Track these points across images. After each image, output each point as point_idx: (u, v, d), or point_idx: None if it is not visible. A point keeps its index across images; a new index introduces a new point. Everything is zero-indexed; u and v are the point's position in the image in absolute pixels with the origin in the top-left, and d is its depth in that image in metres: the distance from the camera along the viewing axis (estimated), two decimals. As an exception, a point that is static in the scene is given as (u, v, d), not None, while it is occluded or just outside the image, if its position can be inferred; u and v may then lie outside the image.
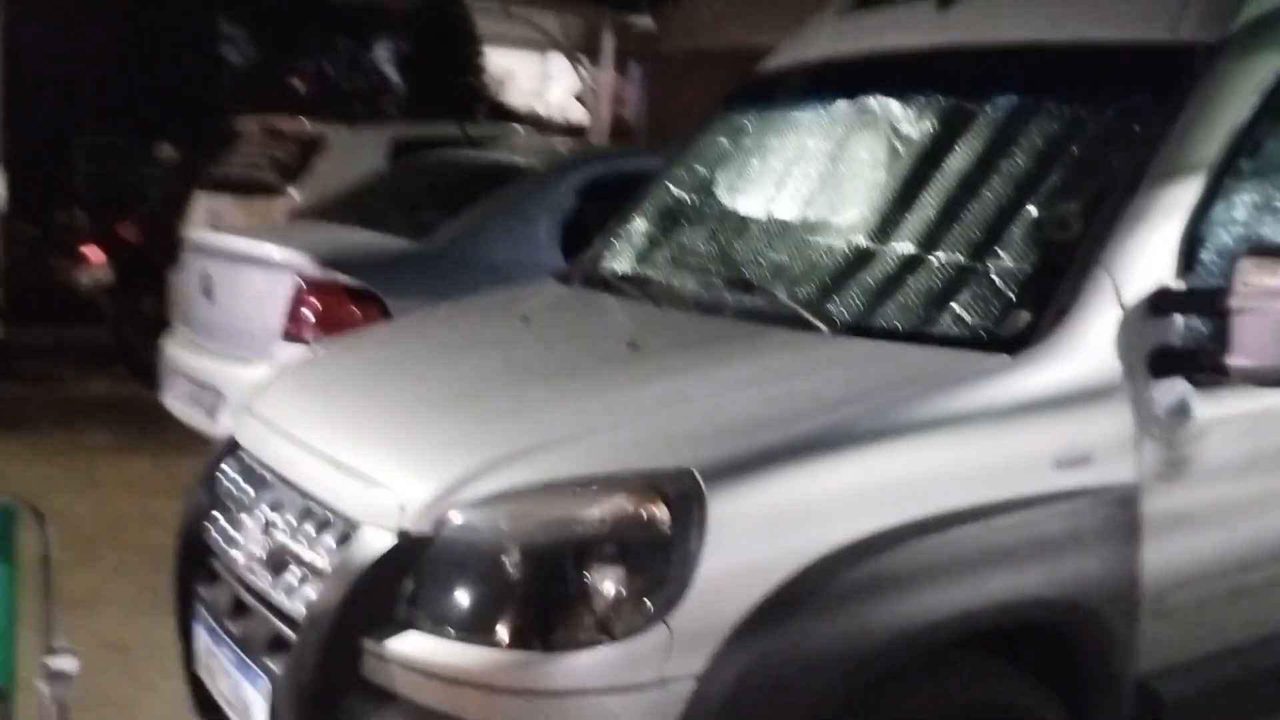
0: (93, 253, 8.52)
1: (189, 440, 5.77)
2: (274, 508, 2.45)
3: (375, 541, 2.12)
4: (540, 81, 14.70)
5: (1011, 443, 2.27)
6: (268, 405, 2.77)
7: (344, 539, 2.21)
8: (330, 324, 4.57)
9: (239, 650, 2.41)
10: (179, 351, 5.40)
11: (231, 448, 2.78)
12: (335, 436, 2.44)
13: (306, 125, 7.64)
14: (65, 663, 2.45)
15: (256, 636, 2.37)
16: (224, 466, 2.76)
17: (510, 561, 2.01)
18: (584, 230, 4.91)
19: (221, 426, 4.97)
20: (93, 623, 4.01)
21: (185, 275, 5.60)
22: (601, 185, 5.12)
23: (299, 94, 10.86)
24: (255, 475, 2.59)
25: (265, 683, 2.28)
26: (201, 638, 2.65)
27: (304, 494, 2.37)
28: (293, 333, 4.67)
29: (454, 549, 2.07)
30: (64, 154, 10.10)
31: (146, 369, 7.65)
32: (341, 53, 12.72)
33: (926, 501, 2.13)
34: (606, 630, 1.95)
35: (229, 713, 2.53)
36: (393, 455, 2.30)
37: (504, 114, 12.60)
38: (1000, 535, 2.20)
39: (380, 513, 2.15)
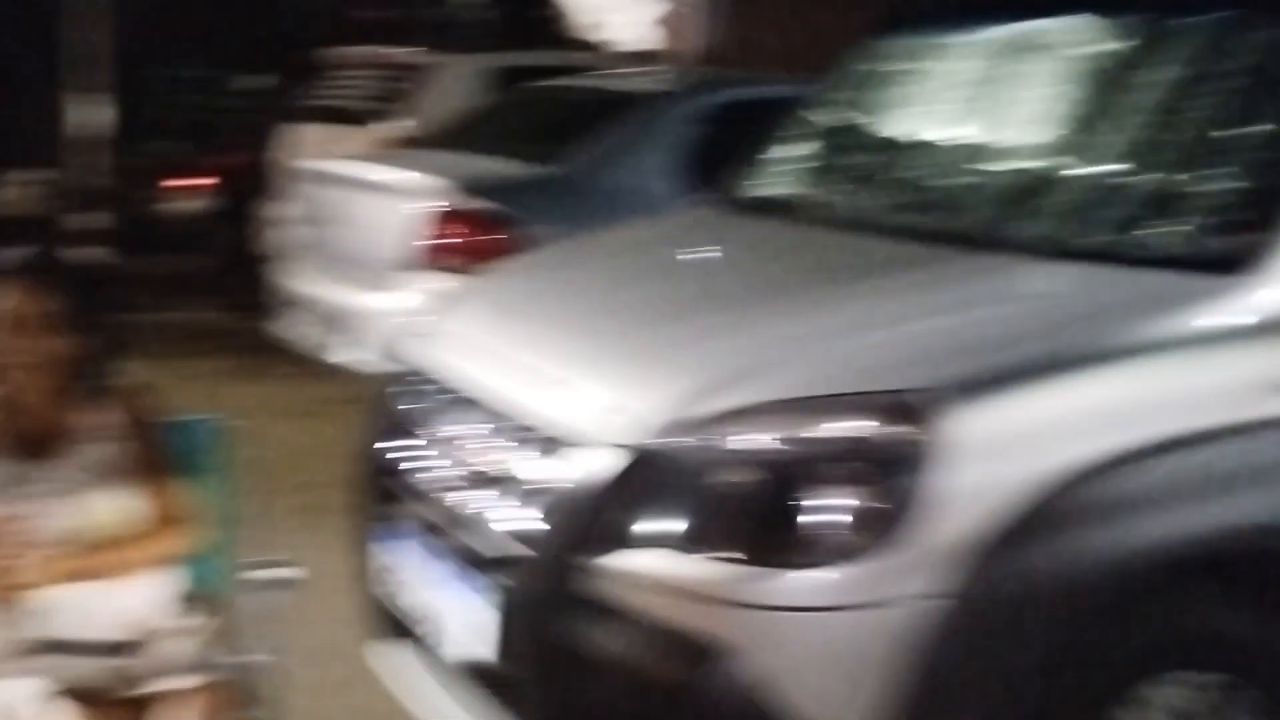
0: (192, 184, 8.60)
1: (302, 366, 5.84)
2: (473, 428, 2.46)
3: (600, 458, 2.12)
4: (604, 12, 14.47)
5: (1232, 366, 2.22)
6: (453, 329, 2.77)
7: (560, 456, 2.22)
8: (461, 250, 4.56)
9: (445, 571, 2.43)
10: (298, 280, 5.43)
11: (410, 371, 2.80)
12: (542, 357, 2.44)
13: (405, 55, 7.60)
14: (281, 572, 2.47)
15: (464, 556, 2.39)
16: (404, 390, 2.77)
17: (746, 478, 2.01)
18: (709, 156, 4.87)
19: (344, 354, 5.04)
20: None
21: (301, 204, 5.62)
22: (729, 111, 5.06)
23: (385, 25, 10.82)
24: (447, 397, 2.60)
25: (477, 600, 2.30)
26: (384, 557, 2.68)
27: (508, 414, 2.37)
28: (422, 259, 4.67)
29: (686, 465, 2.06)
30: (165, 88, 10.15)
31: (247, 298, 7.75)
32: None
33: (1152, 425, 2.10)
34: (844, 548, 1.94)
35: (415, 628, 2.57)
36: (610, 373, 2.30)
37: (573, 44, 12.47)
38: (1223, 461, 2.16)
39: (604, 430, 2.15)
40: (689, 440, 2.07)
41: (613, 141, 5.05)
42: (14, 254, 2.35)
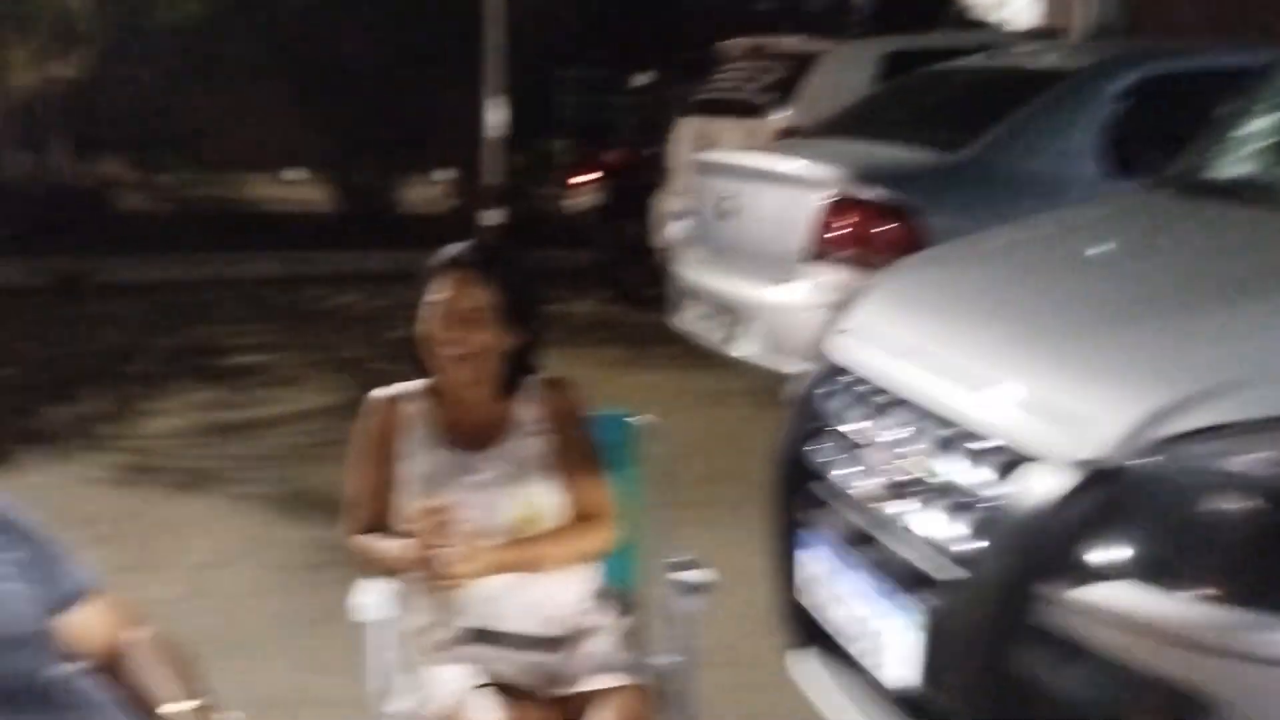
0: (580, 181, 8.92)
1: (688, 358, 5.88)
2: (906, 433, 2.28)
3: (1054, 473, 1.89)
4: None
5: None
6: (876, 325, 2.61)
7: (1006, 468, 2.00)
8: (860, 241, 4.39)
9: (867, 582, 2.28)
10: (694, 272, 5.45)
11: (833, 369, 2.65)
12: (981, 358, 2.23)
13: (794, 44, 7.52)
14: (697, 575, 2.41)
15: (888, 569, 2.23)
16: (827, 388, 2.63)
17: (1240, 506, 1.72)
18: (1134, 138, 4.44)
19: (743, 348, 5.00)
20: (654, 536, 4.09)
21: (697, 197, 5.63)
22: (1154, 87, 4.59)
23: (776, 16, 10.83)
24: (876, 398, 2.43)
25: (907, 618, 2.13)
26: (810, 564, 2.56)
27: (945, 418, 2.18)
28: (820, 250, 4.54)
29: (1163, 487, 1.79)
30: (551, 87, 10.65)
31: (638, 291, 7.94)
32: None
33: None
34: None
35: (843, 642, 2.42)
36: (1064, 379, 2.06)
37: (969, 23, 11.97)
38: None
39: (1059, 442, 1.92)
40: (1166, 459, 1.80)
41: (1025, 124, 4.69)
42: (454, 248, 2.40)
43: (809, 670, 2.58)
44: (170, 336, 7.60)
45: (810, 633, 2.59)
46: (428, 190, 11.52)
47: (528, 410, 2.42)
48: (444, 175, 11.12)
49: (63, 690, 1.72)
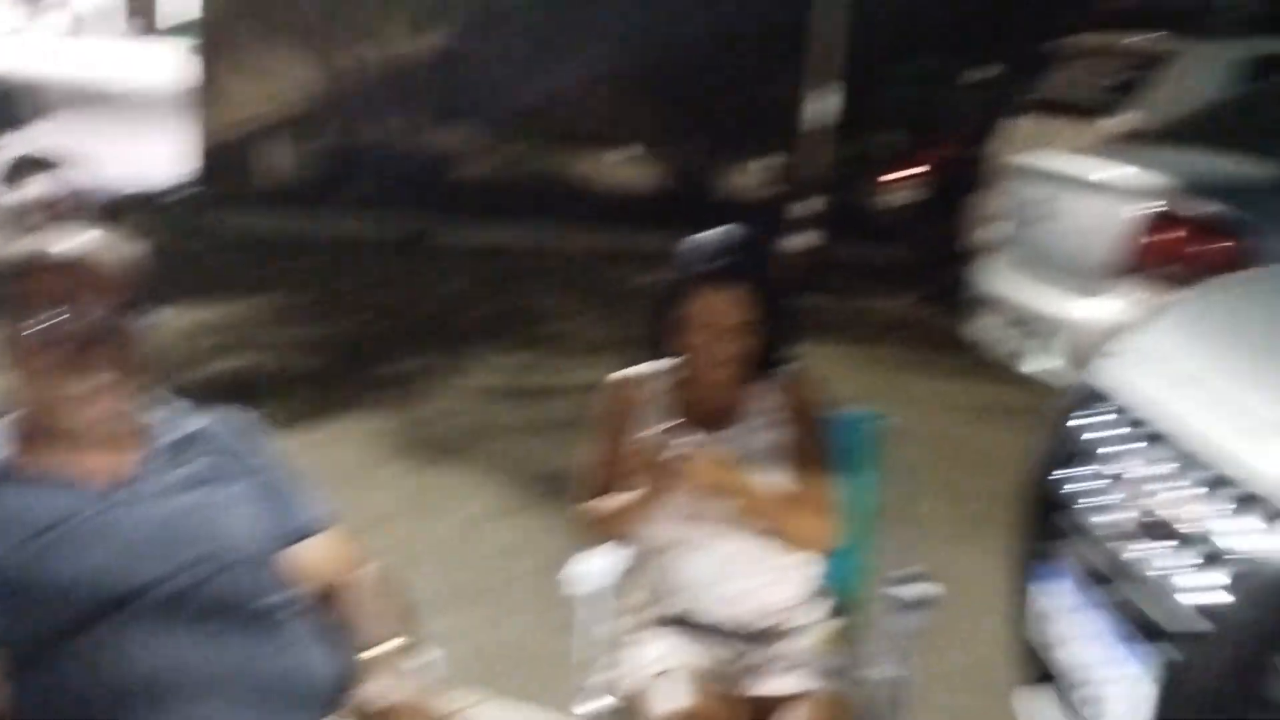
0: (901, 176, 8.70)
1: (981, 368, 5.62)
2: (1163, 470, 2.08)
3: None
4: None
5: None
6: (1154, 350, 2.39)
7: (1269, 523, 1.78)
8: (1181, 259, 4.04)
9: (1102, 626, 2.10)
10: (994, 279, 5.20)
11: (1095, 393, 2.46)
12: (1263, 397, 2.00)
13: (1142, 42, 6.99)
14: (922, 589, 2.30)
15: (1126, 615, 2.04)
16: (1085, 412, 2.44)
17: None
18: None
19: (1038, 363, 4.73)
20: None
21: (1009, 200, 5.36)
22: None
23: (1120, 10, 10.11)
24: (1137, 429, 2.23)
25: (1137, 670, 1.95)
26: (1045, 599, 2.39)
27: (1205, 457, 1.97)
28: (1135, 266, 4.21)
29: None
30: (886, 78, 10.42)
31: (940, 294, 7.67)
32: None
33: None
34: None
35: (1066, 686, 2.25)
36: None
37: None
38: None
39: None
40: None
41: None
42: (709, 247, 2.37)
43: (1034, 710, 2.42)
44: (491, 301, 8.03)
45: (1042, 670, 2.42)
46: (750, 176, 11.58)
47: (767, 400, 2.39)
48: (764, 163, 11.13)
49: (276, 616, 1.85)
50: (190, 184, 10.76)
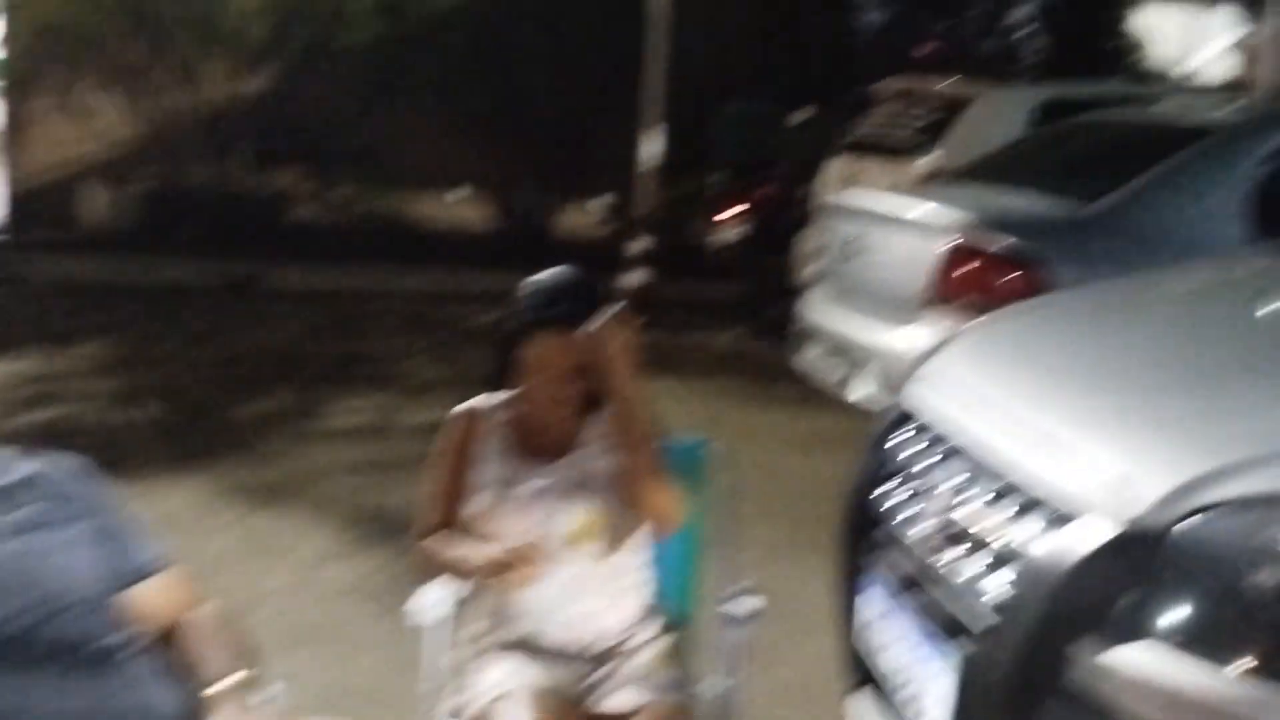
0: (728, 215, 8.99)
1: (810, 398, 5.86)
2: (960, 481, 2.27)
3: (1092, 532, 1.86)
4: (1191, 38, 13.30)
5: None
6: (950, 373, 2.59)
7: (1047, 522, 1.97)
8: (981, 289, 4.33)
9: (915, 628, 2.27)
10: (816, 312, 5.45)
11: (904, 414, 2.65)
12: (1042, 412, 2.20)
13: (948, 87, 7.44)
14: (751, 603, 2.43)
15: (933, 616, 2.21)
16: (896, 433, 2.63)
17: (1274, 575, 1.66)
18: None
19: (860, 391, 4.97)
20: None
21: (825, 237, 5.63)
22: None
23: (932, 57, 10.71)
24: (937, 445, 2.42)
25: (945, 667, 2.12)
26: (866, 608, 2.55)
27: (1001, 471, 2.16)
28: (940, 297, 4.49)
29: (1207, 555, 1.75)
30: (708, 120, 10.75)
31: (770, 328, 7.94)
32: (976, 14, 12.38)
33: None
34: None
35: (888, 689, 2.41)
36: (1120, 439, 2.02)
37: (1145, 75, 11.59)
38: None
39: (1100, 500, 1.88)
40: (1205, 525, 1.75)
41: (1166, 179, 4.54)
42: (545, 290, 2.46)
43: (862, 714, 2.57)
44: (325, 344, 7.96)
45: (866, 676, 2.58)
46: (583, 216, 11.77)
47: (602, 428, 2.48)
48: (598, 203, 11.35)
49: (117, 656, 1.85)
50: (-3, 231, 10.36)
